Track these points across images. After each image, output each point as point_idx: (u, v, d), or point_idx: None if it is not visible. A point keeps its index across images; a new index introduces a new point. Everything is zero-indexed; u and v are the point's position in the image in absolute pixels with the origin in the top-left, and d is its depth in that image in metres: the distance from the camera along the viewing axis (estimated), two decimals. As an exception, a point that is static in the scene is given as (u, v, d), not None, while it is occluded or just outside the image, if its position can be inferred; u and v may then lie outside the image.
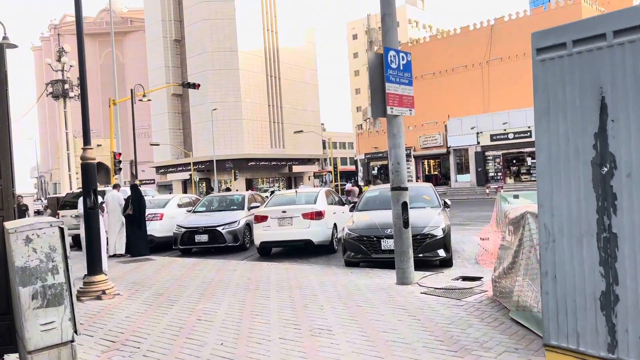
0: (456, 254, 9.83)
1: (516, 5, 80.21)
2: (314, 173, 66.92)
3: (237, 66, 59.62)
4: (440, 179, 46.02)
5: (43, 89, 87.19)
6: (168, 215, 13.85)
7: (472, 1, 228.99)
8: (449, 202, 9.76)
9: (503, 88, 43.16)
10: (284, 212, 10.84)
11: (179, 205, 14.72)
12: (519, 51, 42.63)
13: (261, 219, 11.01)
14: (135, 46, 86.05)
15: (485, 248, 11.04)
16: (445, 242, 8.24)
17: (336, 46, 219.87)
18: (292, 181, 66.57)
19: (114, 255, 11.86)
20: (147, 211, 13.54)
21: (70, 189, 25.18)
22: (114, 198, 11.96)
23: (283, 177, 66.32)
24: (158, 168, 68.36)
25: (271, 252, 11.73)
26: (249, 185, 60.61)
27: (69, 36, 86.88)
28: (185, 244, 12.42)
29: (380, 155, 46.20)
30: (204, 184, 62.88)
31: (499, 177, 39.06)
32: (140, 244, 11.75)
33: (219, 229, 12.25)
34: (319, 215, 10.82)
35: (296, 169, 64.57)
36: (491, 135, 38.31)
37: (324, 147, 77.21)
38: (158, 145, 57.61)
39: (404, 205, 6.74)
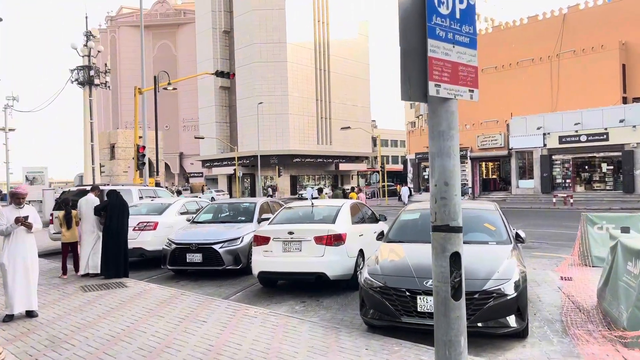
0: (529, 305, 6.74)
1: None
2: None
3: (285, 59, 57.46)
4: (499, 183, 41.87)
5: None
6: (165, 224, 11.44)
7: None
8: (522, 235, 6.66)
9: (575, 84, 38.45)
10: (291, 233, 8.09)
11: (182, 212, 12.28)
12: (595, 43, 37.80)
13: (261, 240, 8.31)
14: (188, 38, 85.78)
15: (571, 298, 7.76)
16: (519, 304, 5.22)
17: (391, 39, 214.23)
18: (339, 179, 63.84)
19: (86, 275, 9.56)
20: (140, 218, 11.32)
21: (93, 183, 23.56)
22: (88, 204, 9.62)
23: (329, 175, 63.72)
24: (204, 162, 67.58)
25: (278, 282, 9.04)
26: (294, 182, 58.38)
27: (125, 27, 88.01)
28: (175, 263, 9.93)
29: (433, 155, 42.50)
30: (248, 180, 61.32)
31: (567, 184, 34.65)
32: (114, 262, 9.34)
33: (216, 247, 9.67)
34: (337, 239, 7.99)
35: (343, 167, 61.81)
36: (560, 137, 33.96)
37: (374, 145, 73.92)
38: (203, 138, 56.40)
39: (455, 259, 3.80)
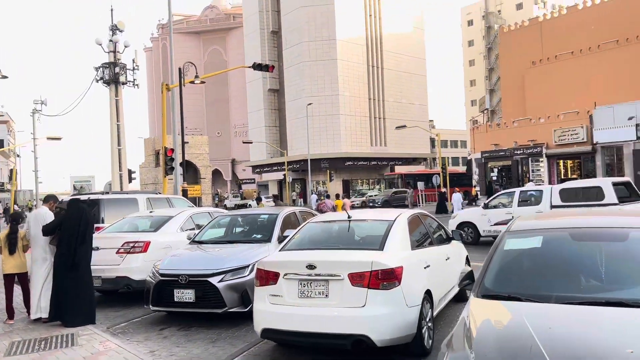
0: None
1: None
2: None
3: (335, 56, 54.61)
4: (579, 184, 36.84)
5: (154, 89, 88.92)
6: (160, 244, 8.69)
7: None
8: None
9: (673, 66, 33.09)
10: (311, 267, 5.03)
11: (189, 228, 9.47)
12: (697, 16, 32.33)
13: (266, 277, 5.30)
14: (238, 43, 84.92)
15: None
16: None
17: (448, 34, 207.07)
18: (397, 182, 59.92)
19: (39, 320, 6.93)
20: (126, 237, 8.67)
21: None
22: (37, 220, 6.99)
23: (384, 179, 60.04)
24: (254, 167, 65.90)
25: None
26: (346, 187, 55.25)
27: (175, 34, 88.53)
28: (159, 301, 7.11)
29: (502, 153, 38.14)
30: (298, 186, 58.85)
31: (668, 184, 29.45)
32: (67, 304, 6.64)
33: (214, 280, 6.78)
34: (388, 278, 4.87)
35: (399, 169, 57.98)
36: (658, 128, 28.95)
37: (433, 146, 69.50)
38: (251, 143, 54.60)
39: None
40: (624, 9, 36.65)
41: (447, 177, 37.56)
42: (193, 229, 9.54)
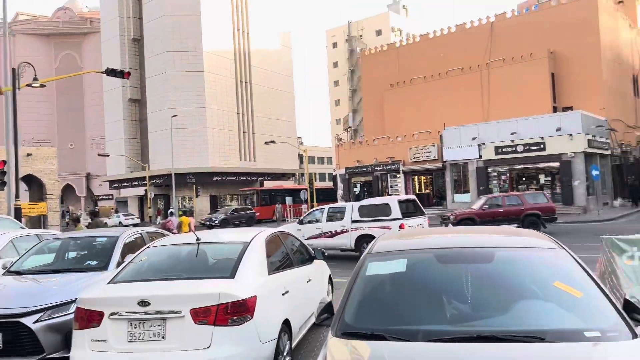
0: None
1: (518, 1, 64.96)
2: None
3: (202, 68, 52.85)
4: (432, 198, 39.80)
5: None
6: (-37, 276, 6.93)
7: (462, 8, 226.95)
8: None
9: (506, 93, 37.33)
10: (144, 303, 4.10)
11: (1, 257, 7.77)
12: (524, 51, 36.94)
13: (88, 317, 4.24)
14: (96, 49, 78.61)
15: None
16: None
17: (315, 55, 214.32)
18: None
19: None
20: None
21: None
22: None
23: (240, 195, 59.36)
24: (112, 182, 60.73)
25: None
26: (214, 203, 53.42)
27: (21, 35, 79.24)
28: (-48, 353, 5.53)
29: (364, 169, 39.69)
30: (161, 202, 55.54)
31: (504, 198, 32.88)
32: None
33: (27, 320, 5.44)
34: (238, 312, 4.14)
35: (268, 185, 57.74)
36: (496, 148, 32.23)
37: (301, 162, 70.57)
38: (108, 155, 50.15)
39: None
40: (467, 40, 40.67)
41: (314, 192, 38.07)
42: (16, 256, 7.91)
